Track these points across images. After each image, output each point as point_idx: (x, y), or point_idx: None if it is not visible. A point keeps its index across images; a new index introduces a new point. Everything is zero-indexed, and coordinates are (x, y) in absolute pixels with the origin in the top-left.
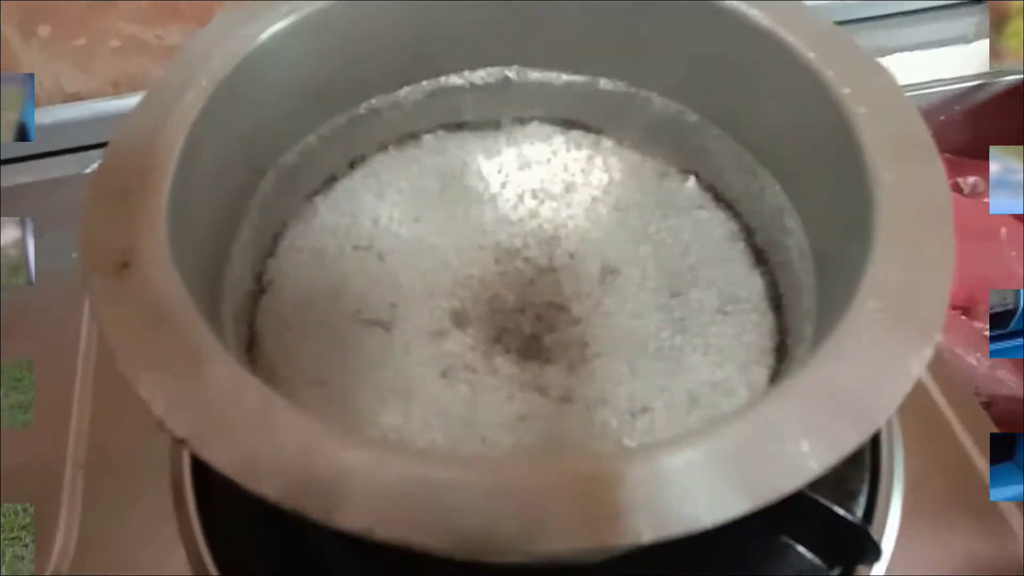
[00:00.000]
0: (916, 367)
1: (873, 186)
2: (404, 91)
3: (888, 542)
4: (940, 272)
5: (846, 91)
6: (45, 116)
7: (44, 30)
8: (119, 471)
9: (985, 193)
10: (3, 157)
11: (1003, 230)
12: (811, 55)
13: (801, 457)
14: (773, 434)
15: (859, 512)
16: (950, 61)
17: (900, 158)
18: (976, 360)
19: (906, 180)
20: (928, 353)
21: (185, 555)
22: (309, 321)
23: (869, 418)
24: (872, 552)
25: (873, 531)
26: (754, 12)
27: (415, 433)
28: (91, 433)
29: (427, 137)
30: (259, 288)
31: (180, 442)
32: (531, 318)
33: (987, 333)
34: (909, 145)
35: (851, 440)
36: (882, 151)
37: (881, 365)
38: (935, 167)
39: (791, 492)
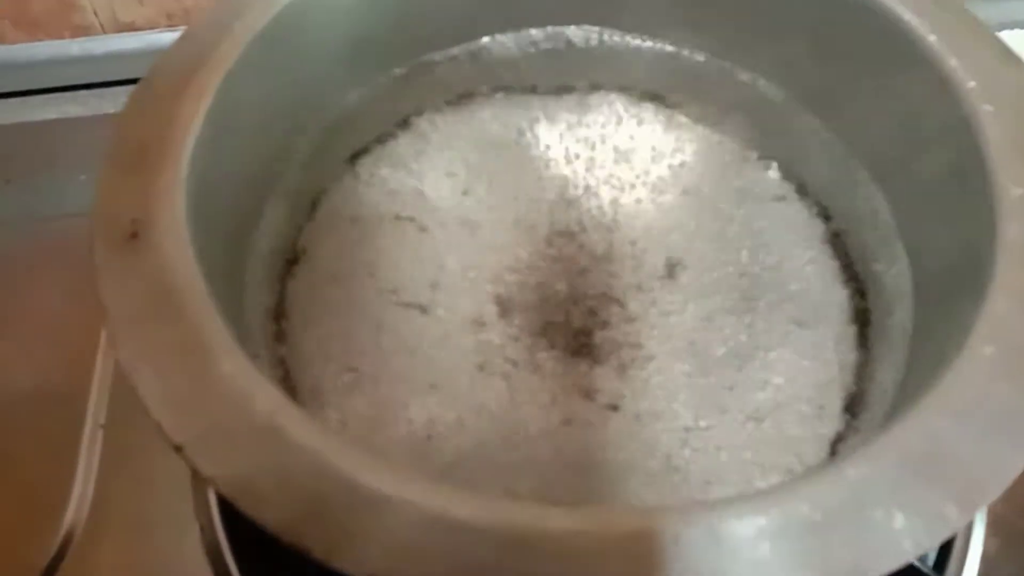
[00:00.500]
0: None
1: (996, 201)
2: (462, 47)
3: None
4: None
5: (971, 84)
6: (99, 45)
7: None
8: (138, 436)
9: None
10: (53, 85)
11: None
12: (932, 38)
13: (893, 535)
14: (861, 503)
15: (932, 555)
16: None
17: None
18: None
19: None
20: None
21: (199, 531)
22: (342, 296)
23: (978, 492)
24: None
25: None
26: None
27: (445, 432)
28: (113, 393)
29: (483, 100)
30: (292, 256)
31: (177, 449)
32: (582, 311)
33: None
34: None
35: (954, 518)
36: (1010, 160)
37: (996, 426)
38: None
39: None
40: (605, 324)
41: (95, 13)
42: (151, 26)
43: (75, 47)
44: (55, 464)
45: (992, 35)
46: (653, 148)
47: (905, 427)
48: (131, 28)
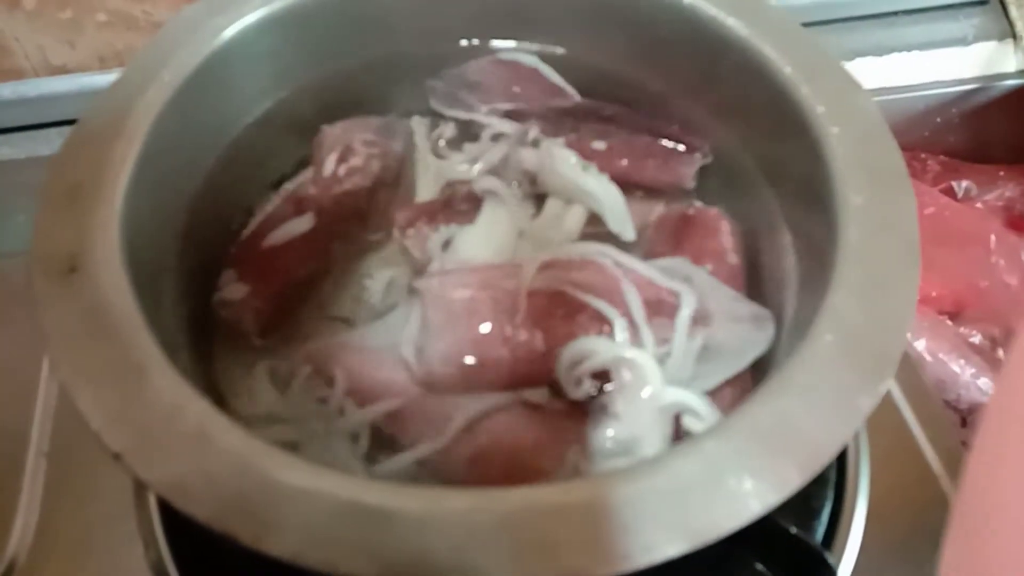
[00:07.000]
0: (867, 405)
1: (840, 209)
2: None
3: (847, 565)
4: (901, 307)
5: (820, 109)
6: (30, 88)
7: (30, 1)
8: (81, 462)
9: (978, 198)
10: None
11: (992, 237)
12: (788, 70)
13: (743, 497)
14: (716, 470)
15: (821, 529)
16: (948, 63)
17: (870, 183)
18: (959, 367)
19: (874, 207)
20: (881, 390)
21: (143, 549)
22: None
23: (814, 457)
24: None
25: (832, 552)
26: (732, 22)
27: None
28: (56, 422)
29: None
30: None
31: (115, 456)
32: None
33: (972, 339)
34: (881, 170)
35: (794, 480)
36: (852, 174)
37: (831, 402)
38: (906, 195)
39: (731, 533)
40: None
41: (26, 57)
42: (83, 69)
43: (7, 90)
44: None
45: (839, 65)
46: None
47: (756, 404)
48: (63, 71)
